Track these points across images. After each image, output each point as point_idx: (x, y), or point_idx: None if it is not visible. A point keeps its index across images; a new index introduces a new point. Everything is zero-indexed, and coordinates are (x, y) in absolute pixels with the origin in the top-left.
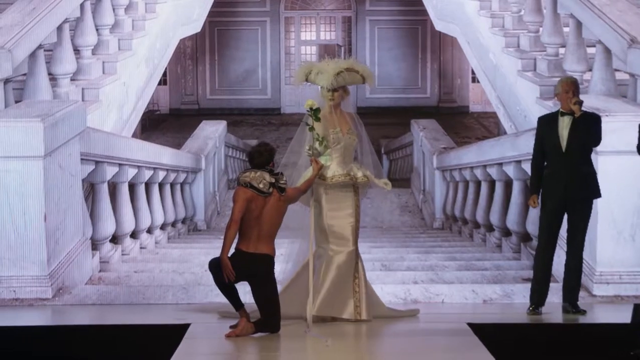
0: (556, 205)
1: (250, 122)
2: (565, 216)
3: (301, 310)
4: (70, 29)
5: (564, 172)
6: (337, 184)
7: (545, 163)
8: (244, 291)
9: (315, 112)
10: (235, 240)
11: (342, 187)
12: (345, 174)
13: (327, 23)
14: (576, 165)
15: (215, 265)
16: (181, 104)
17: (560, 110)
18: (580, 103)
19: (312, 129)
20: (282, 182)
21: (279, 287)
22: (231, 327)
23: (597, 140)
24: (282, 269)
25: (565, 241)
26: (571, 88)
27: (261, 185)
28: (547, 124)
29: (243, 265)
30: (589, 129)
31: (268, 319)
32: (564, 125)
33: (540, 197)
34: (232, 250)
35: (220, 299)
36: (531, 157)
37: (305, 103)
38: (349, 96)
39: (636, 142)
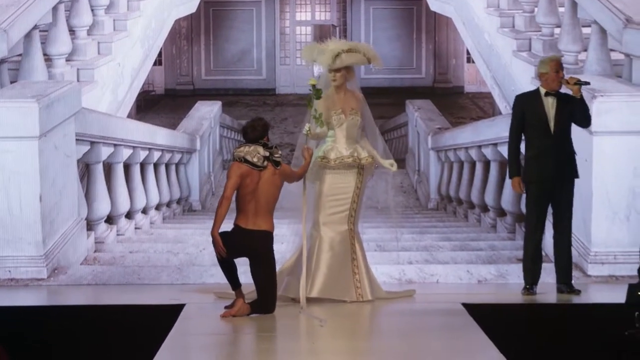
0: (544, 185)
1: (245, 103)
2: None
3: (297, 291)
4: (65, 9)
5: (552, 153)
6: (341, 165)
7: (526, 144)
8: (240, 272)
9: (317, 92)
10: (235, 217)
11: (346, 168)
12: (348, 155)
13: (322, 3)
14: (562, 145)
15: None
16: (176, 84)
17: (545, 90)
18: (582, 84)
19: (310, 103)
20: (276, 155)
21: (277, 267)
22: (226, 307)
23: (589, 120)
24: (277, 250)
25: (553, 221)
26: (560, 68)
27: (255, 159)
28: (529, 103)
29: (242, 242)
30: (573, 109)
31: (264, 298)
32: (550, 106)
33: (523, 178)
34: (231, 227)
35: (215, 279)
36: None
37: (309, 80)
38: (354, 76)
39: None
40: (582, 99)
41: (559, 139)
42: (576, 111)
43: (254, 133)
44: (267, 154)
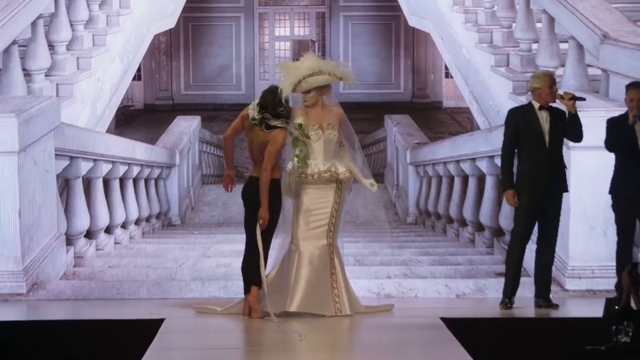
0: (536, 199)
1: (225, 118)
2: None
3: (280, 306)
4: (44, 24)
5: (547, 167)
6: (319, 180)
7: (519, 157)
8: (219, 286)
9: (302, 131)
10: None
11: (324, 182)
12: (326, 170)
13: (301, 19)
14: (555, 159)
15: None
16: (155, 99)
17: (539, 104)
18: (577, 99)
19: (295, 143)
20: (269, 120)
21: None
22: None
23: (581, 135)
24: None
25: (537, 236)
26: (553, 82)
27: (251, 113)
28: (523, 117)
29: (252, 190)
30: (566, 124)
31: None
32: (544, 120)
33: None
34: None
35: (194, 294)
36: None
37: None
38: (329, 92)
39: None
40: (576, 114)
41: (552, 152)
42: (569, 126)
43: (262, 98)
44: (260, 117)
